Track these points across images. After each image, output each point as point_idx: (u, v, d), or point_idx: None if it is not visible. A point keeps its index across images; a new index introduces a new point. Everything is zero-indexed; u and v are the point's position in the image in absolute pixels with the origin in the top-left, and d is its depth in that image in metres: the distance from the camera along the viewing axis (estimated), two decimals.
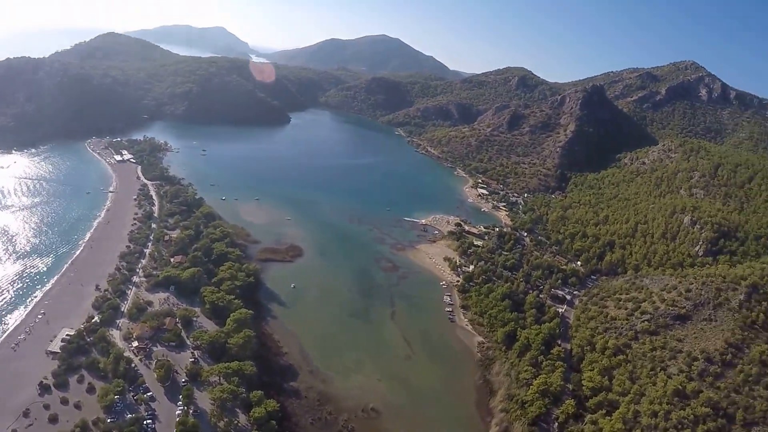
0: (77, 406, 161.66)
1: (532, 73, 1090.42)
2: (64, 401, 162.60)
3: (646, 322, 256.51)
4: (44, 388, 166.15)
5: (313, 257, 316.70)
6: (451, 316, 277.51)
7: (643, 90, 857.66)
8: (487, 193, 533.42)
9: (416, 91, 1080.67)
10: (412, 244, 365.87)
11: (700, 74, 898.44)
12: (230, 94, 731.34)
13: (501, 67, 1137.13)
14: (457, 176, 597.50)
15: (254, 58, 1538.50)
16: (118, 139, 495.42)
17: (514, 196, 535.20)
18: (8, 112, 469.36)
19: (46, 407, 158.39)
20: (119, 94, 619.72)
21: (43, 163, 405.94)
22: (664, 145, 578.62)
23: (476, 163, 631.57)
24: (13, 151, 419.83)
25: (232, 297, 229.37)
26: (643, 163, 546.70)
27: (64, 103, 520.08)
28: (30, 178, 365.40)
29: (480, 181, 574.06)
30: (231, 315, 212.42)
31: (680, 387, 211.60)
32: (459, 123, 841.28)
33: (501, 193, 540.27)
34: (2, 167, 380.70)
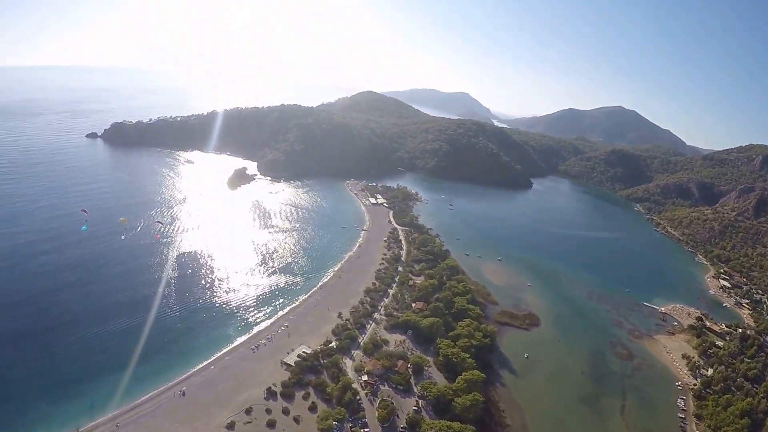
0: (296, 420, 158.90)
1: None
2: (285, 411, 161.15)
3: None
4: (271, 394, 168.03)
5: (549, 329, 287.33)
6: (682, 424, 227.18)
7: None
8: (729, 286, 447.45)
9: (655, 166, 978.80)
10: (650, 333, 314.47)
11: None
12: (476, 155, 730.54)
13: (743, 144, 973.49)
14: (698, 263, 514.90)
15: (496, 123, 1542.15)
16: (374, 184, 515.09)
17: (758, 293, 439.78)
18: (280, 148, 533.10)
19: (268, 411, 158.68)
20: (376, 144, 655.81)
21: (306, 194, 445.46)
22: None
23: (719, 250, 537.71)
24: (282, 181, 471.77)
25: (467, 355, 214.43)
26: None
27: (328, 146, 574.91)
28: (293, 206, 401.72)
29: (722, 271, 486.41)
30: (463, 373, 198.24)
31: None
32: (699, 203, 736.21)
33: (744, 287, 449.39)
34: (271, 192, 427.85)
